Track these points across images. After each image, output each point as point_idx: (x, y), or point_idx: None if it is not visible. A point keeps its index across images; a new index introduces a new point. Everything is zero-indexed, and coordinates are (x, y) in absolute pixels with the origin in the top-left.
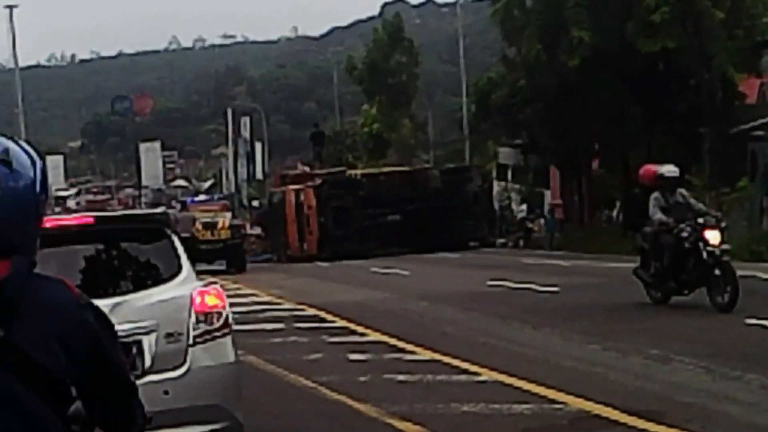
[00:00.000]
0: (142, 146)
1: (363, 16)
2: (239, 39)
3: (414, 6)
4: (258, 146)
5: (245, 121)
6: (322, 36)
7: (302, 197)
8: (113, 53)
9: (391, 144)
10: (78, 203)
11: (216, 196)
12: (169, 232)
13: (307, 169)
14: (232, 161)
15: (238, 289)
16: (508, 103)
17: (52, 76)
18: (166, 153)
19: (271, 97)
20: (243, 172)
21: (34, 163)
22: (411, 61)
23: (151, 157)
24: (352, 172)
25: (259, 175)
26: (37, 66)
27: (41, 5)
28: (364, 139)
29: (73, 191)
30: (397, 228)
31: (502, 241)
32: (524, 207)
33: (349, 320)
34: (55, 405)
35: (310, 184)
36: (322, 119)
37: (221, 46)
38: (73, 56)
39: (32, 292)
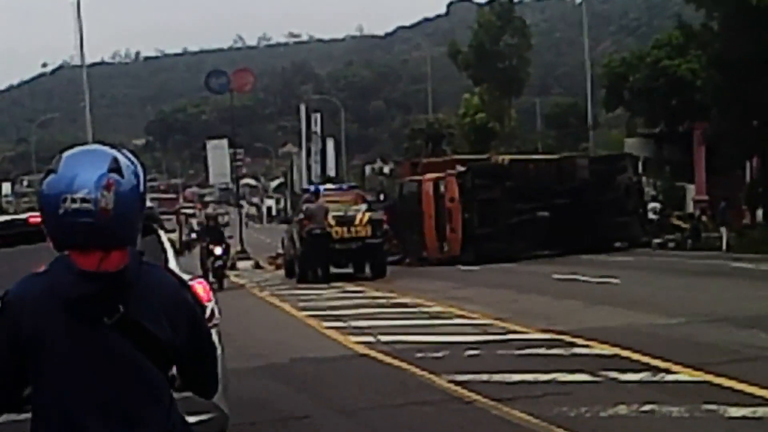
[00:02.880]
0: (209, 144)
1: (429, 15)
2: (304, 38)
3: (480, 5)
4: (330, 143)
5: (316, 117)
6: (388, 35)
7: (442, 188)
8: (178, 51)
9: (496, 135)
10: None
11: (345, 185)
12: (156, 227)
13: (386, 167)
14: (305, 158)
15: (443, 313)
16: (649, 87)
17: (116, 74)
18: (234, 151)
19: (338, 95)
20: (316, 169)
21: (135, 167)
22: (523, 43)
23: (218, 154)
24: (499, 157)
25: (330, 173)
26: (102, 63)
27: (105, 3)
28: (465, 131)
29: None
30: (547, 226)
31: (658, 241)
32: (656, 205)
33: (690, 366)
34: (162, 366)
35: (451, 172)
36: (390, 118)
37: (286, 44)
38: (137, 54)
39: (143, 277)
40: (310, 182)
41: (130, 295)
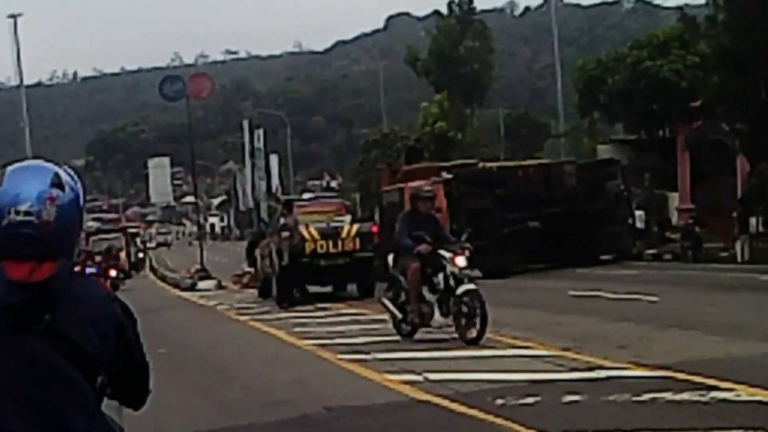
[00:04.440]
0: (151, 162)
1: (367, 30)
2: (243, 54)
3: (419, 18)
4: (274, 159)
5: (259, 134)
6: (327, 50)
7: None
8: (116, 70)
9: (456, 145)
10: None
11: (326, 195)
12: None
13: (333, 182)
14: (249, 175)
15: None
16: (630, 89)
17: (54, 95)
18: (174, 170)
19: (278, 112)
20: (261, 185)
21: (75, 182)
22: (485, 47)
23: (159, 173)
24: (487, 164)
25: (275, 189)
26: (39, 84)
27: (40, 24)
28: (424, 141)
29: None
30: (538, 237)
31: (652, 252)
32: (641, 213)
33: None
34: (88, 376)
35: (437, 179)
36: (331, 133)
37: (224, 62)
38: (75, 74)
39: (73, 288)
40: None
41: (57, 305)
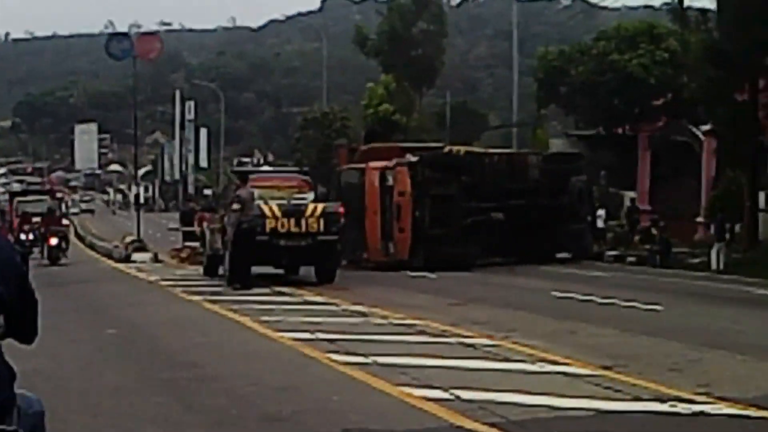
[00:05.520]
0: (78, 128)
1: (303, 10)
2: (176, 26)
3: (355, 2)
4: (203, 133)
5: (190, 106)
6: (261, 28)
7: (390, 179)
8: (48, 34)
9: (401, 128)
10: (7, 183)
11: (288, 168)
12: None
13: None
14: (178, 147)
15: (505, 349)
16: (594, 82)
17: None
18: (101, 136)
19: (209, 86)
20: (189, 158)
21: None
22: (439, 30)
23: (86, 139)
24: (454, 148)
25: (203, 163)
26: None
27: None
28: (368, 122)
29: (1, 171)
30: (500, 229)
31: (614, 253)
32: (602, 212)
33: None
34: None
35: (401, 161)
36: (260, 110)
37: (157, 32)
38: (7, 35)
39: None
40: (181, 173)
41: None
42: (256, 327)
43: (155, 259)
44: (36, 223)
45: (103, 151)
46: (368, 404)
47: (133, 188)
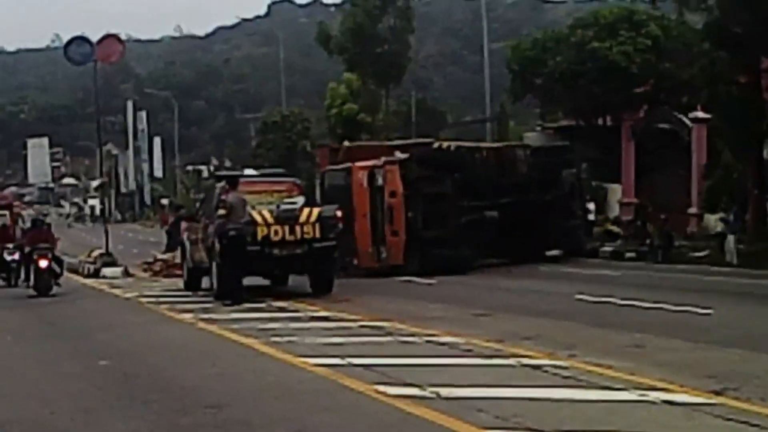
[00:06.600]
0: (30, 142)
1: (249, 16)
2: (123, 37)
3: (301, 6)
4: (157, 142)
5: (142, 116)
6: (208, 35)
7: (380, 179)
8: None
9: (366, 128)
10: None
11: (274, 171)
12: None
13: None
14: (132, 157)
15: (562, 367)
16: (573, 72)
17: None
18: (53, 150)
19: (162, 95)
20: (144, 168)
21: None
22: (405, 26)
23: (38, 153)
24: (444, 143)
25: (158, 173)
26: None
27: None
28: (331, 123)
29: None
30: (494, 229)
31: (608, 249)
32: (592, 206)
33: None
34: None
35: (390, 159)
36: (212, 118)
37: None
38: None
39: None
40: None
41: None
42: (272, 352)
43: (126, 273)
44: (18, 241)
45: (56, 164)
46: None
47: (89, 201)
